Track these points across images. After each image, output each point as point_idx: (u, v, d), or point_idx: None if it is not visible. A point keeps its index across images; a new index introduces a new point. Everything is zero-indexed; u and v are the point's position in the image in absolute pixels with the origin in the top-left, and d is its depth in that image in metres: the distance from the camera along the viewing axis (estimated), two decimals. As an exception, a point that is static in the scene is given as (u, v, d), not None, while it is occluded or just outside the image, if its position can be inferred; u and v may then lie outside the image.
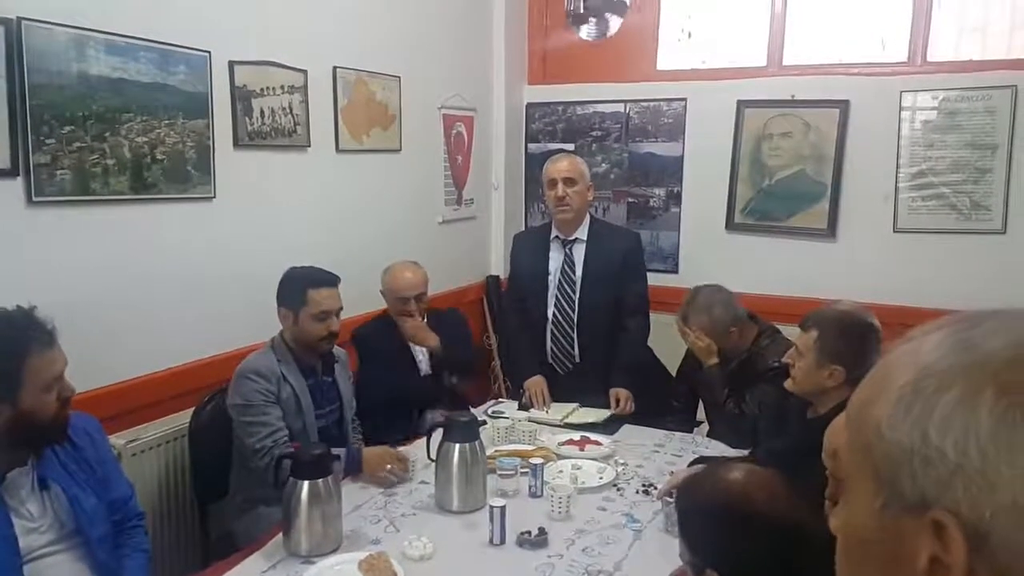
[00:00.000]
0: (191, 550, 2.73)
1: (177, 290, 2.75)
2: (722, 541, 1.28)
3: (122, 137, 2.52)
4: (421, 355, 3.23)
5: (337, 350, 2.76)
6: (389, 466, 2.42)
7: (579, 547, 2.08)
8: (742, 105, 4.09)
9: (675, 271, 4.33)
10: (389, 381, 3.06)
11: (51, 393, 1.80)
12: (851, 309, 2.44)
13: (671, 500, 2.15)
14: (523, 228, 4.59)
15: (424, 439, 2.48)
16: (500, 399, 3.47)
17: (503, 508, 2.08)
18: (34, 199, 2.29)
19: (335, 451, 2.25)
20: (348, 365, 2.85)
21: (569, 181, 3.17)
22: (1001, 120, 3.59)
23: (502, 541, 2.08)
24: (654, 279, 3.60)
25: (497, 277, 4.57)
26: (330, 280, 2.61)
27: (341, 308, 2.62)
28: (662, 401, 3.26)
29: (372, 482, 2.43)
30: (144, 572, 2.02)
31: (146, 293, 2.65)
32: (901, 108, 3.78)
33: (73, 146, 2.38)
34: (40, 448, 1.85)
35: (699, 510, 1.37)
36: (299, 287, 2.58)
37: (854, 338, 2.25)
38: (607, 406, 3.11)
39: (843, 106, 3.89)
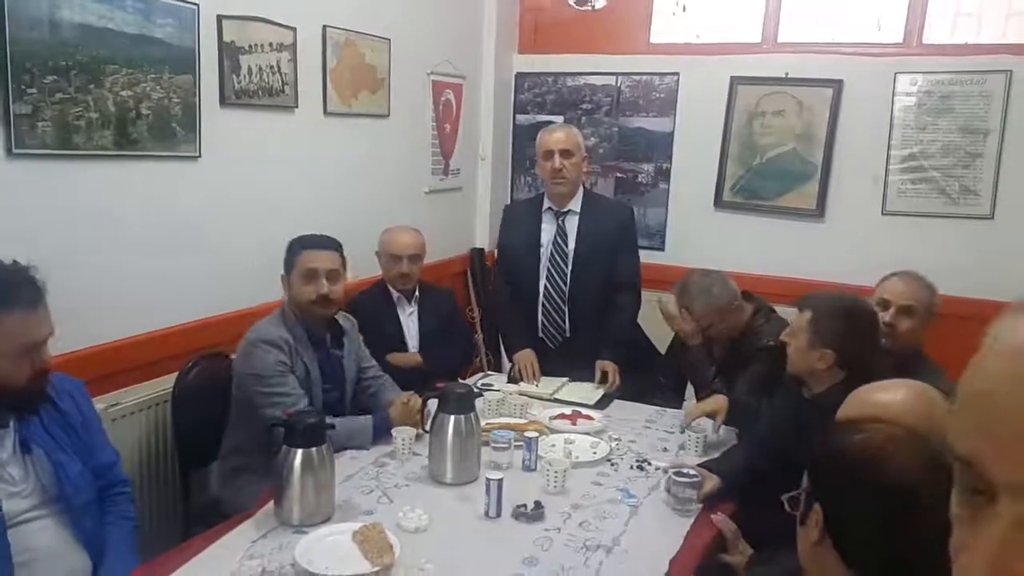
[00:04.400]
0: (171, 516, 2.66)
1: (160, 251, 2.66)
2: (845, 492, 1.22)
3: (106, 90, 2.42)
4: (411, 335, 3.19)
5: (346, 319, 2.69)
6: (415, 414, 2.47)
7: (576, 521, 2.05)
8: (735, 81, 4.05)
9: (661, 248, 4.30)
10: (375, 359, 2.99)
11: (22, 359, 1.70)
12: (917, 283, 2.65)
13: (679, 479, 2.13)
14: (509, 201, 4.53)
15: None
16: (487, 372, 3.42)
17: (500, 481, 2.04)
18: (14, 151, 2.19)
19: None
20: (358, 333, 2.75)
21: (566, 153, 3.11)
22: (994, 105, 3.59)
23: (498, 514, 2.04)
24: (640, 256, 3.56)
25: (482, 250, 4.51)
26: (323, 243, 2.53)
27: (336, 272, 2.52)
28: (650, 378, 3.23)
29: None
30: (130, 542, 1.95)
31: (128, 253, 2.55)
32: (895, 90, 3.76)
33: (56, 97, 2.28)
34: (8, 414, 1.75)
35: (835, 455, 1.28)
36: (294, 249, 2.52)
37: (847, 323, 2.24)
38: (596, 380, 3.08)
39: (837, 86, 3.87)
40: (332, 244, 2.55)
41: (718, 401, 2.60)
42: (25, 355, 1.71)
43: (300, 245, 2.52)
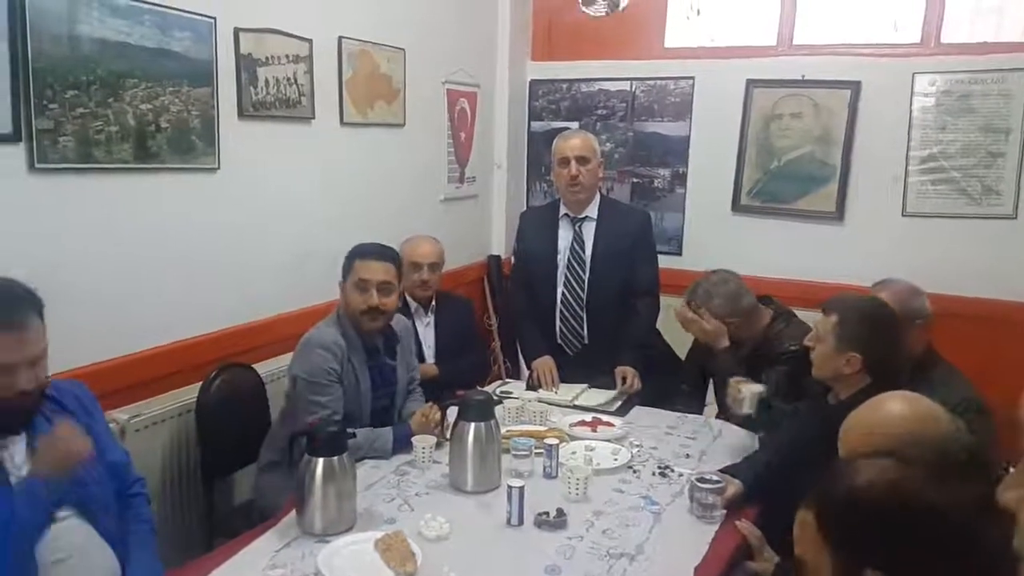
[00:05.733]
0: (195, 525, 2.67)
1: (180, 263, 2.68)
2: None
3: (126, 104, 2.44)
4: (428, 345, 3.21)
5: (401, 325, 2.69)
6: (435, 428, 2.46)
7: (599, 529, 2.04)
8: (751, 84, 4.04)
9: (679, 253, 4.28)
10: None
11: None
12: (895, 293, 2.52)
13: (702, 486, 2.12)
14: (525, 208, 4.53)
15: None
16: (506, 380, 3.42)
17: (522, 489, 2.03)
18: (36, 166, 2.21)
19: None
20: (411, 341, 2.75)
21: (582, 160, 3.11)
22: (1015, 103, 3.56)
23: (520, 522, 2.03)
24: (658, 261, 3.54)
25: (498, 257, 4.51)
26: (379, 253, 2.53)
27: (389, 284, 2.51)
28: (670, 384, 3.21)
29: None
30: (149, 545, 1.94)
31: (148, 265, 2.57)
32: (913, 90, 3.74)
33: (76, 112, 2.30)
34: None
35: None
36: (350, 258, 2.54)
37: (874, 326, 2.22)
38: (615, 386, 3.06)
39: (854, 87, 3.84)
40: (388, 255, 2.55)
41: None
42: None
43: (356, 254, 2.54)
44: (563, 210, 3.24)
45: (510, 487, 2.04)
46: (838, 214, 3.94)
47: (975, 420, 2.18)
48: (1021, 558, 0.60)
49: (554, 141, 3.25)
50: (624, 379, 3.07)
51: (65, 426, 1.74)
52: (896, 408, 1.59)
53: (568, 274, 3.19)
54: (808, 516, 1.23)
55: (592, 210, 3.20)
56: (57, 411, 1.85)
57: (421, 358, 3.16)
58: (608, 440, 2.60)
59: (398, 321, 2.68)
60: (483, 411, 2.27)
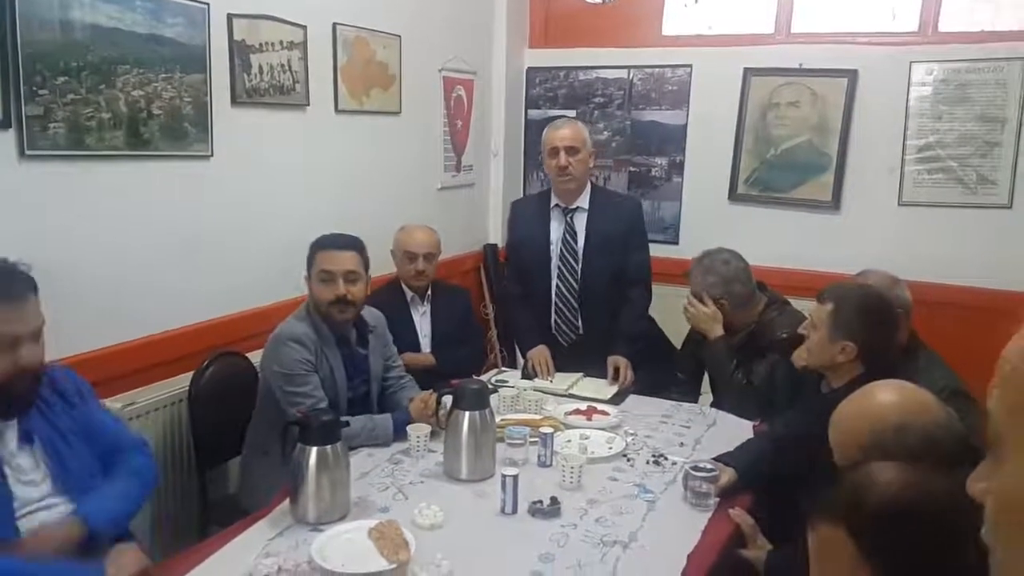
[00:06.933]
0: (188, 514, 2.66)
1: (172, 251, 2.67)
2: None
3: (118, 90, 2.42)
4: (423, 334, 3.20)
5: (374, 316, 2.66)
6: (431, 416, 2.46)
7: (592, 517, 2.04)
8: (749, 73, 4.02)
9: (675, 242, 4.27)
10: None
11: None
12: (874, 284, 2.44)
13: (697, 474, 2.11)
14: (522, 196, 4.51)
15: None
16: (502, 368, 3.41)
17: (516, 477, 2.03)
18: (26, 152, 2.20)
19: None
20: (386, 331, 2.73)
21: (571, 150, 3.09)
22: (1011, 93, 3.55)
23: (514, 510, 2.03)
24: (654, 250, 3.52)
25: (495, 245, 4.50)
26: (340, 243, 2.50)
27: (354, 272, 2.47)
28: (666, 373, 3.21)
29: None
30: (120, 480, 1.88)
31: (141, 253, 2.56)
32: (910, 79, 3.72)
33: (67, 98, 2.28)
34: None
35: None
36: (312, 251, 2.51)
37: (870, 315, 2.21)
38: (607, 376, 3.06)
39: (851, 76, 3.83)
40: (351, 244, 2.51)
41: None
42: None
43: (318, 246, 2.50)
44: (554, 200, 3.22)
45: (504, 476, 2.04)
46: (834, 203, 3.93)
47: (959, 406, 2.18)
48: (989, 551, 0.62)
49: (544, 131, 3.23)
50: (616, 370, 3.06)
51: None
52: (887, 397, 1.59)
53: (562, 266, 3.18)
54: (835, 533, 1.14)
55: (583, 200, 3.19)
56: (53, 396, 1.85)
57: (417, 347, 3.15)
58: (603, 429, 2.60)
59: (371, 314, 2.66)
60: (478, 400, 2.27)
